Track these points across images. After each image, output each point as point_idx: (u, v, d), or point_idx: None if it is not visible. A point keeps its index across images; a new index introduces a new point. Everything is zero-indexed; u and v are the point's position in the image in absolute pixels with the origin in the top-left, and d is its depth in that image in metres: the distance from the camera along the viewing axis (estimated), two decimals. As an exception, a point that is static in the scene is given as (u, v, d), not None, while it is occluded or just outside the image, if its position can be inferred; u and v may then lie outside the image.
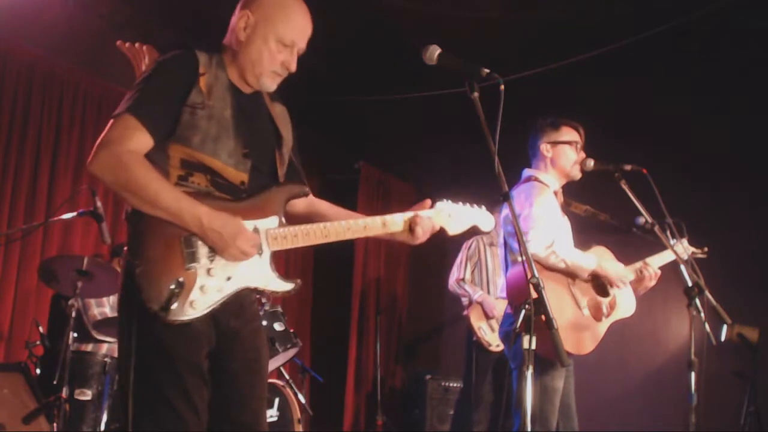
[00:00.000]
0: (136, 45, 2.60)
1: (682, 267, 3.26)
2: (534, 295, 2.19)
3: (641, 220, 3.53)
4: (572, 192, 3.79)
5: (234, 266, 2.18)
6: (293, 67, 2.35)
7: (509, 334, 3.52)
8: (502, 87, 2.26)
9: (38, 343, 4.26)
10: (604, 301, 3.54)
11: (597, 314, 3.50)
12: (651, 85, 5.82)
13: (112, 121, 2.16)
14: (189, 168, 2.20)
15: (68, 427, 3.96)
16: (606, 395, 6.21)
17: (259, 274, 2.24)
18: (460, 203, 2.60)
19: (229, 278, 2.18)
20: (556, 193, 3.65)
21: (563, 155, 3.66)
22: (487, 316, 5.55)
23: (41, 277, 4.27)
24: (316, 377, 5.95)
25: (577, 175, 3.68)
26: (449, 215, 2.55)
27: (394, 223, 2.45)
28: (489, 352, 5.52)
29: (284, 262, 6.68)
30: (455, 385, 6.68)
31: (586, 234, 3.81)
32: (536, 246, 3.37)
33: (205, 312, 2.13)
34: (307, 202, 2.51)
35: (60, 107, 5.18)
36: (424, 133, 6.87)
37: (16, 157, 4.91)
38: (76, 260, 4.09)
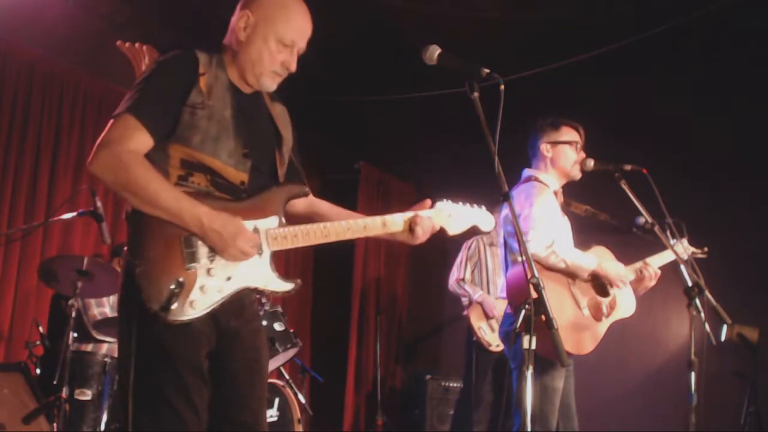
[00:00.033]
0: (136, 45, 2.60)
1: (682, 267, 3.26)
2: (534, 295, 2.19)
3: (641, 220, 3.53)
4: (572, 192, 3.79)
5: (234, 266, 2.18)
6: (293, 67, 2.35)
7: (509, 334, 3.52)
8: (502, 87, 2.26)
9: (38, 343, 4.26)
10: (604, 301, 3.54)
11: (597, 314, 3.50)
12: (651, 85, 5.82)
13: (112, 121, 2.16)
14: (189, 168, 2.20)
15: (68, 427, 3.96)
16: (606, 395, 6.21)
17: (259, 274, 2.24)
18: (460, 203, 2.60)
19: (229, 278, 2.18)
20: (556, 193, 3.65)
21: (563, 155, 3.66)
22: (487, 316, 5.55)
23: (41, 277, 4.27)
24: (316, 377, 5.95)
25: (577, 175, 3.68)
26: (449, 215, 2.55)
27: (394, 223, 2.45)
28: (489, 352, 5.52)
29: (284, 262, 6.69)
30: (455, 385, 6.68)
31: (586, 234, 3.81)
32: (536, 246, 3.37)
33: (205, 312, 2.13)
34: (307, 202, 2.51)
35: (60, 107, 5.18)
36: (424, 133, 6.87)
37: (16, 157, 4.91)
38: (76, 260, 4.09)
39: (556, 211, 3.56)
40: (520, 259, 3.26)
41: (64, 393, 3.84)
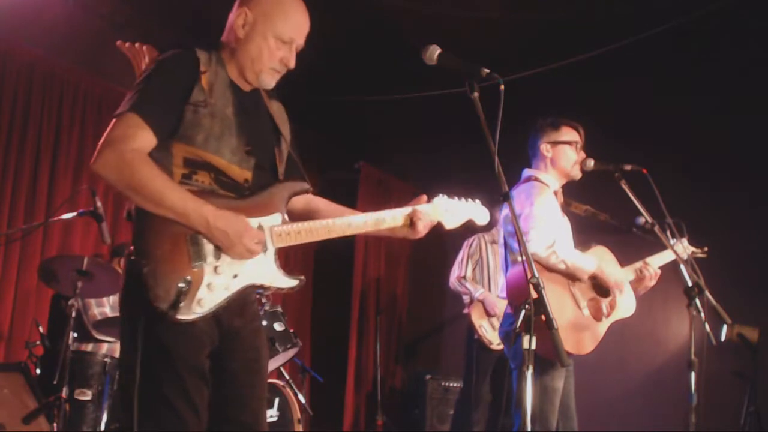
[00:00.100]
0: (136, 45, 2.60)
1: (682, 267, 3.26)
2: (534, 295, 2.19)
3: (641, 220, 3.53)
4: (572, 192, 3.79)
5: (240, 264, 2.19)
6: (292, 64, 2.36)
7: (509, 334, 3.52)
8: (502, 87, 2.26)
9: (38, 343, 4.27)
10: (604, 301, 3.54)
11: (597, 314, 3.50)
12: (651, 85, 5.82)
13: (114, 120, 2.16)
14: (192, 166, 2.20)
15: (68, 427, 3.96)
16: (606, 395, 6.21)
17: (265, 271, 2.25)
18: (456, 198, 2.64)
19: (235, 276, 2.19)
20: (556, 193, 3.65)
21: (563, 155, 3.66)
22: (488, 314, 5.54)
23: (41, 277, 4.27)
24: (316, 377, 5.95)
25: (577, 175, 3.68)
26: (446, 210, 2.60)
27: (394, 218, 2.48)
28: (490, 350, 5.51)
29: (284, 261, 6.68)
30: (455, 385, 6.68)
31: (586, 234, 3.81)
32: (537, 246, 3.37)
33: (213, 309, 2.13)
34: (305, 200, 2.52)
35: (60, 107, 5.18)
36: (424, 133, 6.87)
37: (16, 157, 4.91)
38: (76, 260, 4.09)
39: (556, 211, 3.56)
40: (520, 259, 3.26)
41: (64, 393, 3.84)
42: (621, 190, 3.51)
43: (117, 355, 4.45)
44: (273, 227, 2.27)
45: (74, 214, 4.04)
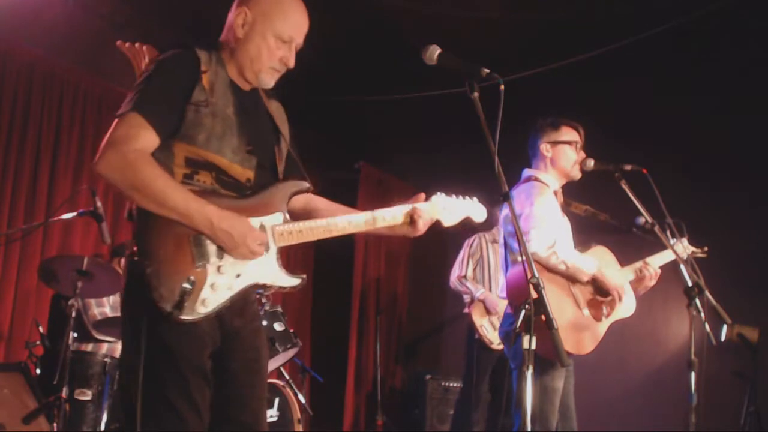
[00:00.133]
0: (136, 45, 2.60)
1: (682, 267, 3.26)
2: (534, 295, 2.19)
3: (641, 220, 3.53)
4: (572, 192, 3.79)
5: (243, 263, 2.20)
6: (292, 63, 2.37)
7: (509, 334, 3.52)
8: (502, 87, 2.26)
9: (38, 343, 4.26)
10: (604, 301, 3.54)
11: (597, 314, 3.50)
12: (651, 85, 5.82)
13: (116, 120, 2.15)
14: (194, 166, 2.20)
15: (68, 427, 3.96)
16: (606, 395, 6.21)
17: (268, 271, 2.26)
18: (453, 196, 2.66)
19: (238, 275, 2.19)
20: (556, 193, 3.65)
21: (563, 155, 3.66)
22: (489, 313, 5.53)
23: (41, 277, 4.27)
24: (316, 377, 5.95)
25: (577, 175, 3.68)
26: (444, 207, 2.61)
27: (394, 216, 2.49)
28: (491, 350, 5.50)
29: (285, 261, 6.68)
30: (455, 385, 6.68)
31: (586, 234, 3.81)
32: (537, 246, 3.37)
33: (216, 309, 2.14)
34: (305, 199, 2.52)
35: (60, 107, 5.18)
36: (424, 133, 6.87)
37: (16, 157, 4.91)
38: (76, 260, 4.09)
39: (556, 211, 3.57)
40: (520, 259, 3.26)
41: (64, 393, 3.84)
42: (621, 190, 3.51)
43: (117, 355, 4.45)
44: (275, 226, 2.27)
45: (74, 214, 4.04)
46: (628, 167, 3.53)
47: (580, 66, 5.59)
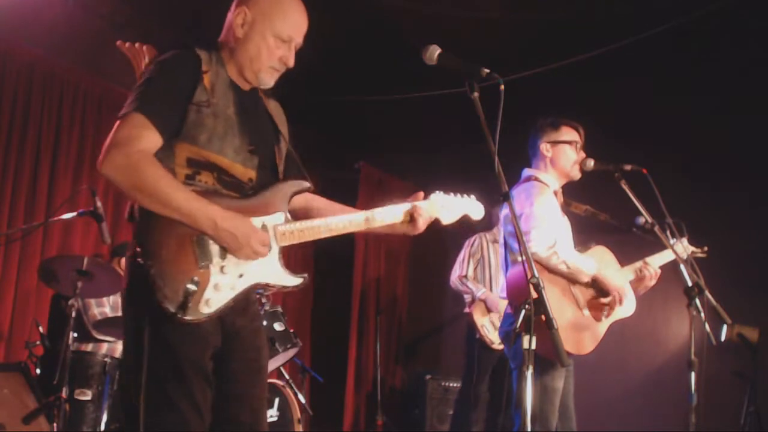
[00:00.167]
0: (136, 45, 2.60)
1: (682, 267, 3.26)
2: (534, 295, 2.19)
3: (641, 220, 3.53)
4: (572, 192, 3.79)
5: (245, 263, 2.21)
6: (291, 63, 2.37)
7: (509, 334, 3.52)
8: (502, 87, 2.27)
9: (38, 343, 4.27)
10: (604, 301, 3.53)
11: (597, 314, 3.50)
12: (651, 85, 5.82)
13: (119, 121, 2.15)
14: (196, 167, 2.20)
15: (68, 427, 3.96)
16: (606, 395, 6.21)
17: (270, 270, 2.26)
18: (451, 194, 2.68)
19: (241, 275, 2.20)
20: (556, 193, 3.65)
21: (563, 155, 3.66)
22: (491, 312, 5.52)
23: (41, 277, 4.27)
24: (316, 377, 5.95)
25: (576, 175, 3.68)
26: (442, 205, 2.63)
27: (394, 215, 2.52)
28: (491, 350, 5.50)
29: (286, 261, 6.68)
30: (455, 385, 6.67)
31: (586, 234, 3.81)
32: (538, 246, 3.37)
33: (220, 309, 2.14)
34: (305, 198, 2.52)
35: (60, 107, 5.18)
36: (424, 133, 6.87)
37: (16, 157, 4.91)
38: (76, 260, 4.09)
39: (556, 211, 3.57)
40: (520, 259, 3.26)
41: (64, 393, 3.84)
42: (621, 190, 3.51)
43: (117, 355, 4.45)
44: (276, 226, 2.28)
45: (74, 214, 4.04)
46: (628, 167, 3.53)
47: (580, 66, 5.59)
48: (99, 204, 3.91)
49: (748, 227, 5.93)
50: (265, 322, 4.63)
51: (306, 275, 2.34)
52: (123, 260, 4.81)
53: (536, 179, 3.64)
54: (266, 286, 2.30)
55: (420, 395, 6.80)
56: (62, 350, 3.90)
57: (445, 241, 6.93)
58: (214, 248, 2.16)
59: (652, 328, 6.44)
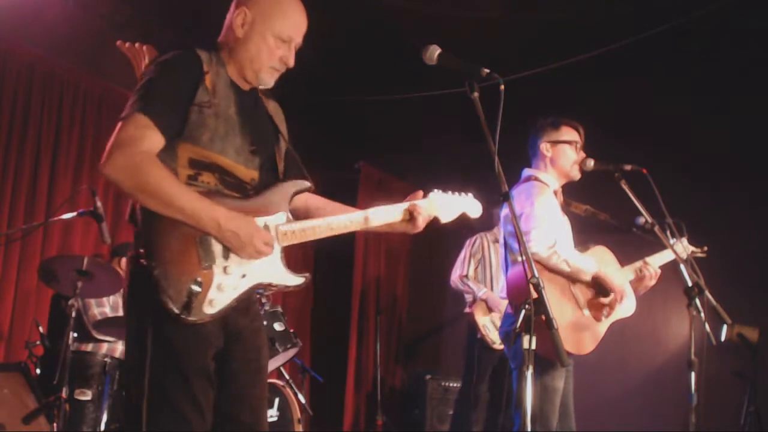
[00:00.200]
0: (136, 45, 2.60)
1: (682, 267, 3.26)
2: (534, 295, 2.19)
3: (641, 220, 3.53)
4: (572, 192, 3.79)
5: (248, 263, 2.22)
6: (291, 63, 2.38)
7: (509, 334, 3.52)
8: (502, 87, 2.27)
9: (38, 343, 4.27)
10: (604, 301, 3.53)
11: (597, 314, 3.50)
12: (651, 85, 5.82)
13: (121, 123, 2.15)
14: (198, 167, 2.21)
15: (68, 427, 3.96)
16: (606, 395, 6.21)
17: (272, 270, 2.28)
18: (450, 192, 2.69)
19: (244, 276, 2.21)
20: (555, 193, 3.65)
21: (563, 155, 3.66)
22: (492, 312, 5.52)
23: (41, 277, 4.27)
24: (316, 377, 5.95)
25: (576, 175, 3.68)
26: (441, 204, 2.64)
27: (393, 213, 2.53)
28: (492, 350, 5.49)
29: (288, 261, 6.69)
30: (455, 385, 6.67)
31: (586, 234, 3.81)
32: (538, 246, 3.37)
33: (224, 310, 2.15)
34: (304, 198, 2.53)
35: (60, 107, 5.18)
36: (424, 133, 6.87)
37: (16, 157, 4.91)
38: (76, 260, 4.09)
39: (556, 211, 3.56)
40: (520, 259, 3.26)
41: (64, 393, 3.84)
42: (621, 190, 3.51)
43: (117, 355, 4.45)
44: (278, 226, 2.29)
45: (74, 214, 4.04)
46: (628, 167, 3.53)
47: (580, 66, 5.59)
48: (99, 204, 3.91)
49: (748, 227, 5.93)
50: (265, 322, 4.63)
51: (308, 275, 2.36)
52: (123, 260, 4.82)
53: (536, 179, 3.64)
54: (269, 286, 2.30)
55: (420, 395, 6.80)
56: (62, 350, 3.90)
57: (445, 241, 6.93)
58: (217, 249, 2.16)
59: (652, 328, 6.45)
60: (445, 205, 2.66)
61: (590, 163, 3.62)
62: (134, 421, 2.10)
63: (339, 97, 6.51)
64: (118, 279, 4.30)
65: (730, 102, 5.76)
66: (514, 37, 5.60)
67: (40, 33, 4.97)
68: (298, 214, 2.43)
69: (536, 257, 3.37)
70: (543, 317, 2.17)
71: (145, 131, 2.12)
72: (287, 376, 5.19)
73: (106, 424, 4.20)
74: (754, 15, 5.08)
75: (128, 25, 5.45)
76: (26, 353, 4.26)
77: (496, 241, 5.75)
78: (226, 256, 2.17)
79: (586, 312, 3.48)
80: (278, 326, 4.73)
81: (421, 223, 2.54)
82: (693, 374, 3.06)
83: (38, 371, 4.22)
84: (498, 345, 5.45)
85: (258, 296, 4.55)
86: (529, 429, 2.25)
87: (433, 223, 2.62)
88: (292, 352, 4.92)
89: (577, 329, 3.42)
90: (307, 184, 2.41)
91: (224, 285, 2.15)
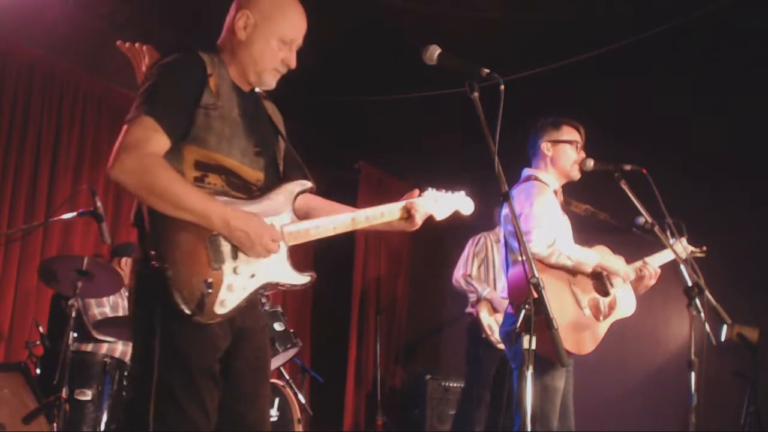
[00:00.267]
0: (136, 45, 2.60)
1: (682, 267, 3.27)
2: (534, 295, 2.19)
3: (641, 220, 3.53)
4: (572, 192, 3.79)
5: (256, 263, 2.24)
6: (293, 64, 2.39)
7: (510, 334, 3.52)
8: (502, 87, 2.27)
9: (38, 343, 4.27)
10: (604, 301, 3.54)
11: (597, 314, 3.50)
12: (651, 85, 5.82)
13: (127, 125, 2.15)
14: (204, 169, 2.22)
15: (68, 427, 3.96)
16: (606, 395, 6.21)
17: (279, 270, 2.31)
18: (443, 190, 2.73)
19: (252, 275, 2.23)
20: (555, 193, 3.65)
21: (563, 154, 3.66)
22: (496, 312, 5.51)
23: (41, 277, 4.27)
24: (316, 377, 5.95)
25: (576, 175, 3.68)
26: (436, 201, 2.69)
27: (391, 212, 2.57)
28: (496, 349, 5.49)
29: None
30: (455, 385, 6.67)
31: (586, 234, 3.81)
32: (538, 245, 3.37)
33: (234, 309, 2.17)
34: (304, 198, 2.54)
35: (60, 107, 5.18)
36: (424, 133, 6.87)
37: (16, 157, 4.91)
38: (76, 260, 4.09)
39: (556, 210, 3.57)
40: (520, 258, 3.26)
41: (64, 393, 3.84)
42: (621, 190, 3.52)
43: (117, 355, 4.46)
44: (284, 226, 2.31)
45: (74, 214, 4.04)
46: (628, 167, 3.53)
47: (580, 66, 5.59)
48: (99, 204, 3.92)
49: (748, 227, 5.93)
50: (265, 322, 4.62)
51: (313, 273, 2.39)
52: (123, 260, 4.82)
53: (536, 179, 3.64)
54: (276, 285, 2.33)
55: (420, 395, 6.80)
56: (62, 350, 3.90)
57: (445, 241, 6.93)
58: (226, 249, 2.18)
59: (652, 328, 6.44)
60: (440, 202, 2.70)
61: (590, 163, 3.62)
62: (140, 420, 2.10)
63: (339, 97, 6.51)
64: (118, 279, 4.30)
65: (730, 102, 5.76)
66: (514, 37, 5.60)
67: (40, 33, 4.97)
68: (298, 215, 2.44)
69: (537, 257, 3.37)
70: (543, 317, 2.18)
71: (151, 133, 2.12)
72: (287, 376, 5.20)
73: (106, 424, 4.20)
74: (754, 15, 5.08)
75: (128, 25, 5.45)
76: (26, 353, 4.26)
77: (499, 240, 5.75)
78: (234, 257, 2.19)
79: (587, 312, 3.48)
80: (278, 326, 4.73)
81: (419, 220, 2.58)
82: (693, 374, 3.06)
83: (38, 371, 4.22)
84: (502, 345, 5.44)
85: (259, 296, 4.55)
86: (529, 429, 2.26)
87: (428, 220, 2.66)
88: (292, 352, 4.92)
89: (578, 329, 3.43)
90: (309, 184, 2.42)
91: (234, 285, 2.17)
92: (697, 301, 3.12)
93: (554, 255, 3.39)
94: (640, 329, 6.01)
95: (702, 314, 3.12)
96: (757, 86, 5.54)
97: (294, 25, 2.36)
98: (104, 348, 4.54)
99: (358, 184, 7.45)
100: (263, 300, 4.72)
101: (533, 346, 2.22)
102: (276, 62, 2.35)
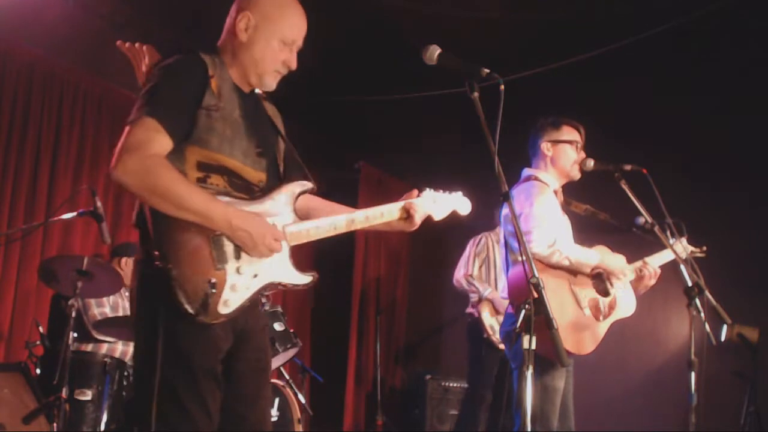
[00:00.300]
0: (136, 45, 2.60)
1: (682, 267, 3.26)
2: (534, 295, 2.19)
3: (641, 220, 3.53)
4: (572, 192, 3.79)
5: (259, 263, 2.24)
6: (294, 65, 2.40)
7: (510, 334, 3.52)
8: (502, 87, 2.27)
9: (38, 343, 4.27)
10: (604, 301, 3.54)
11: (597, 314, 3.50)
12: (651, 85, 5.82)
13: (129, 126, 2.16)
14: (207, 170, 2.22)
15: (68, 427, 3.96)
16: (606, 395, 6.21)
17: (281, 270, 2.31)
18: (441, 191, 2.75)
19: (255, 275, 2.23)
20: (555, 193, 3.65)
21: (563, 154, 3.66)
22: (498, 312, 5.51)
23: (41, 277, 4.27)
24: (316, 377, 5.94)
25: (576, 175, 3.68)
26: (434, 201, 2.71)
27: (390, 212, 2.58)
28: (498, 349, 5.48)
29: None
30: (455, 385, 6.67)
31: (586, 234, 3.81)
32: (539, 245, 3.37)
33: (237, 309, 2.17)
34: (304, 199, 2.54)
35: (60, 107, 5.18)
36: (424, 133, 6.87)
37: (16, 157, 4.91)
38: (76, 260, 4.09)
39: (556, 210, 3.57)
40: (520, 258, 3.26)
41: (64, 393, 3.83)
42: (621, 190, 3.52)
43: (117, 355, 4.46)
44: (285, 226, 2.31)
45: (74, 214, 4.04)
46: (628, 167, 3.53)
47: (580, 66, 5.59)
48: (99, 204, 3.92)
49: (748, 227, 5.93)
50: (265, 322, 4.62)
51: (315, 273, 2.39)
52: (123, 260, 4.82)
53: (536, 179, 3.64)
54: (279, 285, 2.33)
55: (420, 395, 6.80)
56: (62, 350, 3.90)
57: (445, 241, 6.93)
58: (229, 249, 2.18)
59: (652, 328, 6.44)
60: (438, 202, 2.71)
61: (590, 163, 3.62)
62: (143, 420, 2.11)
63: (339, 97, 6.52)
64: (118, 279, 4.30)
65: (730, 102, 5.76)
66: (514, 37, 5.60)
67: (40, 33, 4.97)
68: (299, 215, 2.45)
69: (537, 257, 3.37)
70: (543, 317, 2.18)
71: (153, 134, 2.13)
72: (287, 376, 5.20)
73: (106, 424, 4.19)
74: (754, 15, 5.08)
75: (128, 25, 5.45)
76: (26, 353, 4.26)
77: (500, 241, 5.74)
78: (237, 257, 2.19)
79: (587, 312, 3.48)
80: (278, 326, 4.73)
81: (418, 220, 2.60)
82: (693, 374, 3.06)
83: (38, 371, 4.21)
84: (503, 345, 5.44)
85: (260, 296, 4.55)
86: (529, 429, 2.26)
87: (427, 221, 2.68)
88: (292, 352, 4.92)
89: (578, 329, 3.43)
90: (310, 184, 2.43)
91: (237, 285, 2.18)
92: (697, 301, 3.12)
93: (554, 255, 3.39)
94: (640, 329, 6.01)
95: (702, 314, 3.12)
96: (757, 86, 5.54)
97: (294, 26, 2.36)
98: (104, 348, 4.54)
99: (358, 184, 7.46)
100: (263, 300, 4.72)
101: (533, 346, 2.22)
102: (277, 63, 2.35)
